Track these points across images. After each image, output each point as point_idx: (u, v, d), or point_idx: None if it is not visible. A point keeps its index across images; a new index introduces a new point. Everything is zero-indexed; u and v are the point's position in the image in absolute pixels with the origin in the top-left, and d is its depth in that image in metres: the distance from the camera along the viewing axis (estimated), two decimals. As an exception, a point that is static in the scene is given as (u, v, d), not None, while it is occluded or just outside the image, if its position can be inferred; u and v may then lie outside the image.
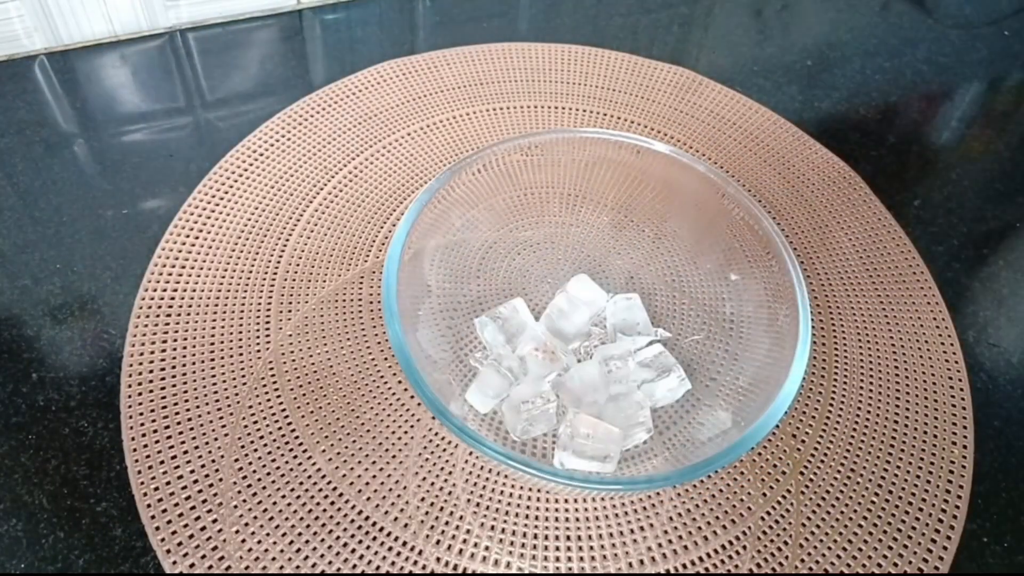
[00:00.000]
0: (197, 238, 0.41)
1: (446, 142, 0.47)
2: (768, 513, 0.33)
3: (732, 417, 0.32)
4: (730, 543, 0.32)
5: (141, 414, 0.34)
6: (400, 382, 0.36)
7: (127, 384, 0.35)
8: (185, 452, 0.33)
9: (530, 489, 0.34)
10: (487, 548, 0.32)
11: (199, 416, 0.34)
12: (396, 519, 0.32)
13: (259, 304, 0.39)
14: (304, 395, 0.35)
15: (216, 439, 0.34)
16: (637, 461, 0.33)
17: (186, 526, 0.31)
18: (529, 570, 0.31)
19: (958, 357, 0.39)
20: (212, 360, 0.36)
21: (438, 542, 0.32)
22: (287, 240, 0.41)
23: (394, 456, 0.34)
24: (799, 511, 0.33)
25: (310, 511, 0.32)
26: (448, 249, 0.38)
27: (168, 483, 0.32)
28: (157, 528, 0.31)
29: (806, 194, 0.46)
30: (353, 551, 0.31)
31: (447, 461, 0.34)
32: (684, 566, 0.32)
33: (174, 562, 0.30)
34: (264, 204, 0.43)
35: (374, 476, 0.33)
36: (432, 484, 0.33)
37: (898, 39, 0.60)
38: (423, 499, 0.33)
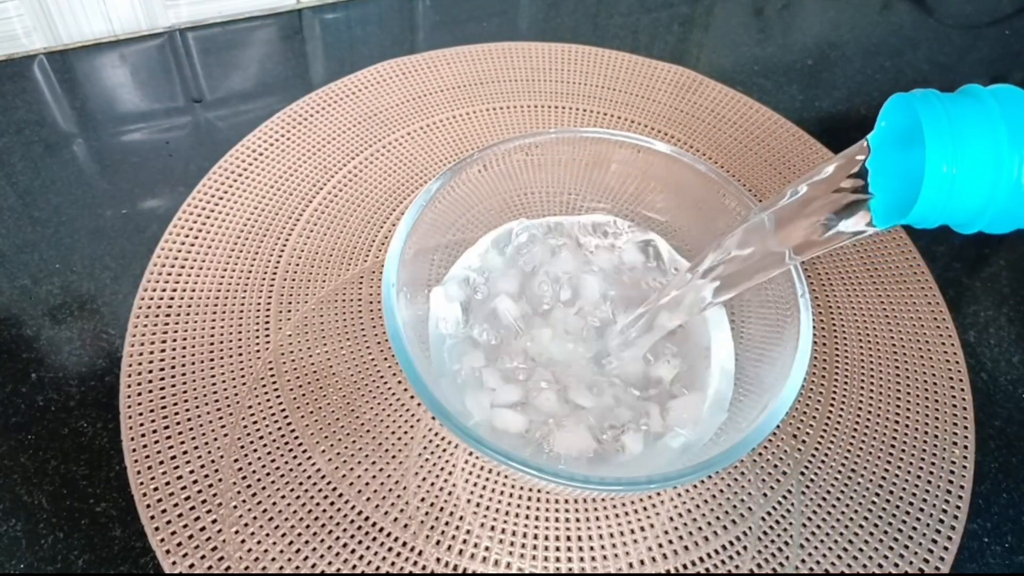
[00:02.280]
0: (196, 238, 0.41)
1: (446, 142, 0.47)
2: (769, 513, 0.33)
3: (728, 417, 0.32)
4: (731, 543, 0.32)
5: (140, 414, 0.34)
6: (400, 382, 0.36)
7: (126, 384, 0.35)
8: (185, 452, 0.33)
9: (530, 489, 0.34)
10: (487, 548, 0.32)
11: (199, 416, 0.34)
12: (396, 519, 0.32)
13: (259, 304, 0.39)
14: (304, 395, 0.35)
15: (216, 439, 0.34)
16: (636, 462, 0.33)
17: (186, 526, 0.31)
18: (529, 570, 0.31)
19: (959, 357, 0.39)
20: (212, 360, 0.36)
21: (438, 542, 0.32)
22: (287, 240, 0.41)
23: (394, 456, 0.34)
24: (800, 511, 0.33)
25: (310, 511, 0.32)
26: (448, 249, 0.38)
27: (168, 483, 0.32)
28: (156, 528, 0.31)
29: (806, 194, 0.46)
30: (353, 551, 0.31)
31: (447, 461, 0.34)
32: (684, 566, 0.32)
33: (173, 562, 0.30)
34: (264, 204, 0.43)
35: (374, 476, 0.33)
36: (432, 484, 0.33)
37: (899, 39, 0.60)
38: (423, 499, 0.33)
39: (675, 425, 0.33)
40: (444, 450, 0.34)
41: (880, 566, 0.32)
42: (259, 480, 0.33)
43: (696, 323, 0.36)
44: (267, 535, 0.31)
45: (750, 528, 0.33)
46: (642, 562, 0.32)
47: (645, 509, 0.33)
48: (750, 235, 0.29)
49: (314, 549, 0.31)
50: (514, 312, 0.36)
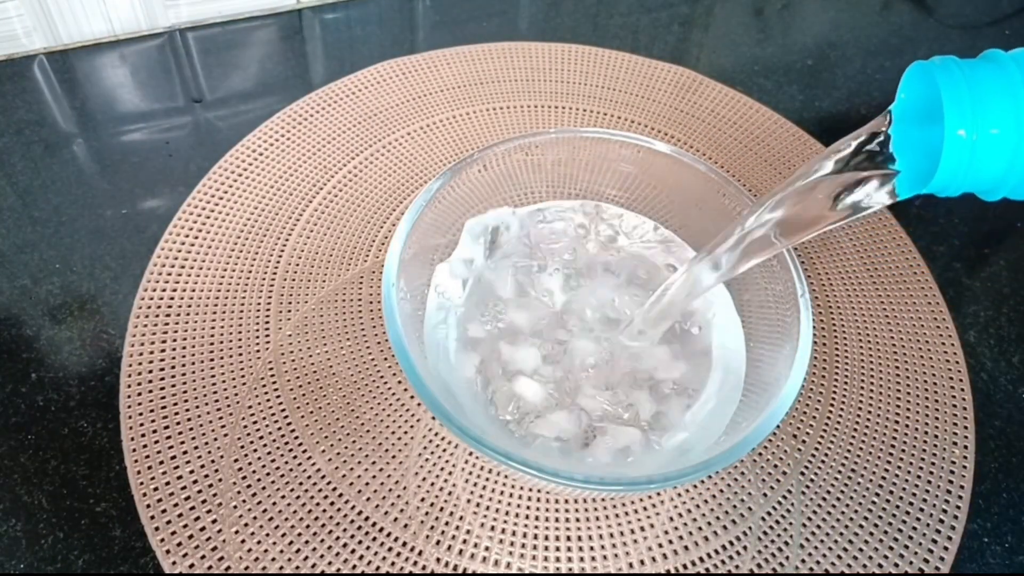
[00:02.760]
0: (196, 238, 0.41)
1: (446, 142, 0.47)
2: (769, 513, 0.33)
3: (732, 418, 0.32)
4: (731, 543, 0.32)
5: (140, 414, 0.34)
6: (400, 382, 0.36)
7: (126, 384, 0.35)
8: (185, 452, 0.33)
9: (530, 489, 0.34)
10: (487, 548, 0.32)
11: (199, 416, 0.34)
12: (396, 519, 0.32)
13: (259, 304, 0.39)
14: (304, 395, 0.35)
15: (216, 439, 0.34)
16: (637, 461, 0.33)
17: (186, 526, 0.31)
18: (529, 570, 0.31)
19: (959, 357, 0.39)
20: (212, 360, 0.36)
21: (438, 542, 0.32)
22: (287, 240, 0.41)
23: (394, 456, 0.34)
24: (800, 511, 0.33)
25: (310, 511, 0.32)
26: (448, 249, 0.38)
27: (167, 483, 0.32)
28: (156, 528, 0.31)
29: (806, 194, 0.46)
30: (353, 551, 0.31)
31: (447, 461, 0.34)
32: (684, 566, 0.32)
33: (173, 562, 0.30)
34: (264, 204, 0.43)
35: (374, 476, 0.33)
36: (432, 484, 0.33)
37: (899, 39, 0.60)
38: (423, 499, 0.33)
39: (674, 425, 0.33)
40: (444, 450, 0.34)
41: (880, 566, 0.32)
42: (259, 480, 0.33)
43: (699, 324, 0.36)
44: (267, 535, 0.31)
45: (750, 528, 0.33)
46: (642, 562, 0.32)
47: (645, 509, 0.33)
48: (765, 212, 0.29)
49: (314, 549, 0.31)
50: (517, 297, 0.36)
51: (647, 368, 0.34)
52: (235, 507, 0.32)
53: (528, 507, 0.33)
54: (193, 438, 0.34)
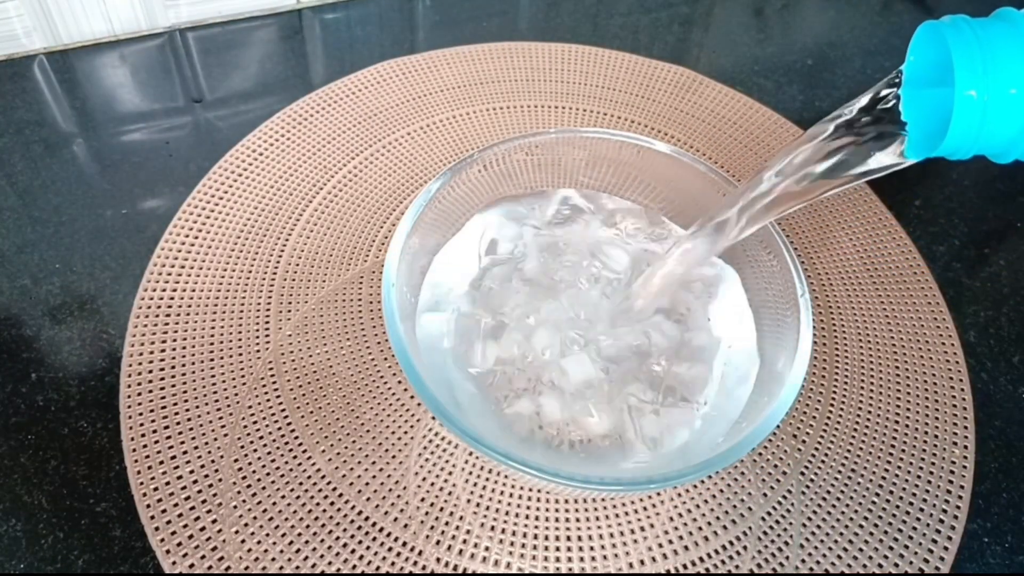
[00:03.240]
0: (196, 238, 0.41)
1: (446, 142, 0.47)
2: (769, 513, 0.33)
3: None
4: (731, 543, 0.32)
5: (140, 414, 0.34)
6: (400, 382, 0.36)
7: (126, 384, 0.35)
8: (185, 452, 0.33)
9: (530, 489, 0.34)
10: (487, 548, 0.32)
11: (199, 416, 0.34)
12: (396, 519, 0.32)
13: (259, 304, 0.39)
14: (304, 395, 0.35)
15: (216, 439, 0.34)
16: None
17: (186, 526, 0.31)
18: (529, 570, 0.31)
19: (959, 357, 0.39)
20: (212, 360, 0.36)
21: (438, 542, 0.32)
22: (287, 240, 0.41)
23: (394, 456, 0.34)
24: (800, 511, 0.33)
25: (310, 511, 0.32)
26: (448, 249, 0.38)
27: (167, 483, 0.32)
28: (156, 528, 0.31)
29: (806, 194, 0.46)
30: (353, 551, 0.31)
31: (447, 461, 0.34)
32: (684, 566, 0.32)
33: (173, 562, 0.30)
34: (264, 204, 0.43)
35: (374, 476, 0.33)
36: (432, 484, 0.33)
37: (899, 38, 0.60)
38: (423, 499, 0.33)
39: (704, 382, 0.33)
40: (444, 450, 0.34)
41: (880, 566, 0.32)
42: (259, 480, 0.33)
43: (701, 323, 0.36)
44: (267, 535, 0.31)
45: (750, 528, 0.33)
46: (642, 562, 0.32)
47: (645, 509, 0.33)
48: (767, 179, 0.28)
49: (314, 549, 0.31)
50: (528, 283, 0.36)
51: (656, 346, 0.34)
52: (235, 507, 0.32)
53: (528, 507, 0.33)
54: (193, 438, 0.34)
